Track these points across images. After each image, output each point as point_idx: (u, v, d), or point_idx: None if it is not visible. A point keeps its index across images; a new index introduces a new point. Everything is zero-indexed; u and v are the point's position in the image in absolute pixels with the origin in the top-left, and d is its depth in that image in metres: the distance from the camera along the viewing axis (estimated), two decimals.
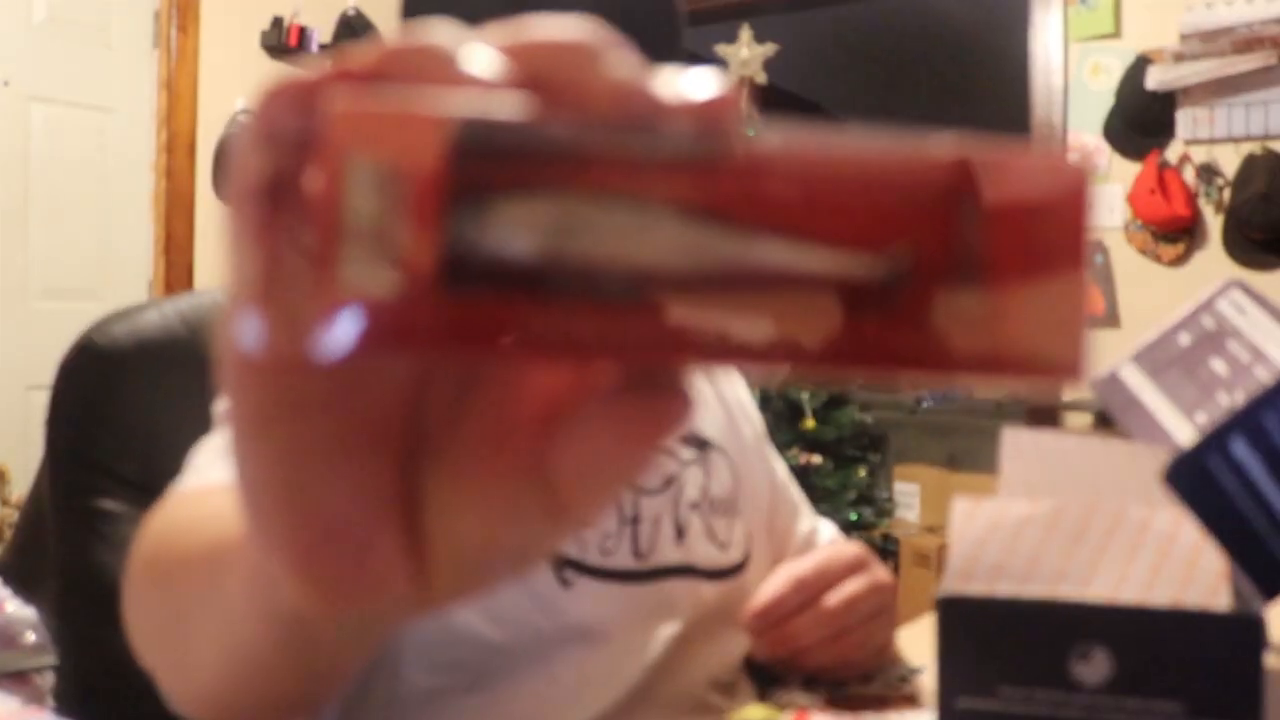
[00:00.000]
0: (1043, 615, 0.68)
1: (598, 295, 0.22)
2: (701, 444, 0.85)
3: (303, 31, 3.56)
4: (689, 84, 0.23)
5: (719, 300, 0.23)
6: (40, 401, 0.93)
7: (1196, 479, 0.65)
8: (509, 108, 0.22)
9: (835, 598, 0.79)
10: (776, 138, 0.23)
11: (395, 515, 0.27)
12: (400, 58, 0.24)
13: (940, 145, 0.23)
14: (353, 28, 3.64)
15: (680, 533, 0.81)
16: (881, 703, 0.79)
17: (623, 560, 0.77)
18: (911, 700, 0.80)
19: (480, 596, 0.29)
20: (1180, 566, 0.72)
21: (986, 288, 0.23)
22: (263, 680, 0.36)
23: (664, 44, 0.79)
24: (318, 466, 0.26)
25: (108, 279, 3.32)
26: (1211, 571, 0.70)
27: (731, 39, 3.48)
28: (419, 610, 0.30)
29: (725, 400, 0.91)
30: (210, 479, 0.61)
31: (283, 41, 3.54)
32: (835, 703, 0.78)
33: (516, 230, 0.22)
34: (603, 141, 0.22)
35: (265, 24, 3.56)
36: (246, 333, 0.24)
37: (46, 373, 0.93)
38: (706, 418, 0.87)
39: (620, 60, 0.24)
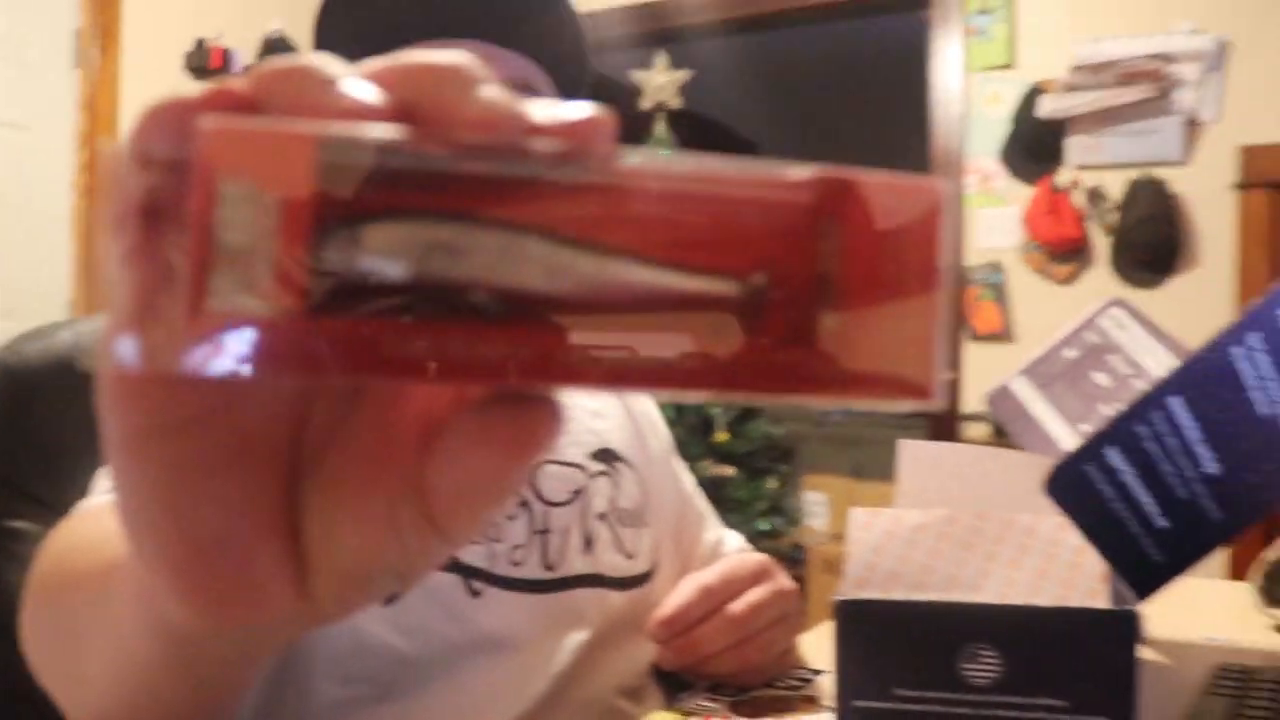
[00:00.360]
0: (934, 618, 0.69)
1: (467, 318, 0.22)
2: (610, 457, 0.85)
3: (226, 54, 3.50)
4: (559, 110, 0.23)
5: (589, 323, 0.23)
6: None
7: (1074, 487, 0.67)
8: (381, 132, 0.22)
9: (739, 606, 0.79)
10: (644, 163, 0.23)
11: (277, 530, 0.27)
12: (276, 79, 0.23)
13: (801, 170, 0.23)
14: (276, 50, 3.60)
15: (588, 543, 0.81)
16: (783, 706, 0.79)
17: (532, 571, 0.77)
18: (812, 703, 0.80)
19: (365, 609, 0.29)
20: (1064, 570, 0.74)
21: (842, 309, 0.23)
22: (152, 698, 0.35)
23: (571, 71, 0.80)
24: (196, 483, 0.25)
25: (26, 299, 3.22)
26: (1092, 574, 0.71)
27: (649, 65, 3.49)
28: (305, 624, 0.29)
29: (633, 413, 0.91)
30: (109, 499, 0.59)
31: (205, 63, 3.48)
32: (739, 707, 0.78)
33: (387, 253, 0.22)
34: (474, 166, 0.22)
35: (188, 45, 3.50)
36: (122, 352, 0.24)
37: None
38: (614, 431, 0.87)
39: (492, 87, 0.23)
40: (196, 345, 0.21)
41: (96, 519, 0.49)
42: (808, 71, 4.96)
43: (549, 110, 0.23)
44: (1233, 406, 0.66)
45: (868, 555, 0.75)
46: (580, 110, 0.23)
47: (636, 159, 0.23)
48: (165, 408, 0.25)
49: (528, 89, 0.74)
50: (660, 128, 3.40)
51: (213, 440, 0.26)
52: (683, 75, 3.46)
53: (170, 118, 0.23)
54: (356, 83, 0.23)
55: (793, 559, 3.24)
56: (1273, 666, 0.78)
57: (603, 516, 0.82)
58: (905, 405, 0.24)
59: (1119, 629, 0.65)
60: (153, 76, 3.41)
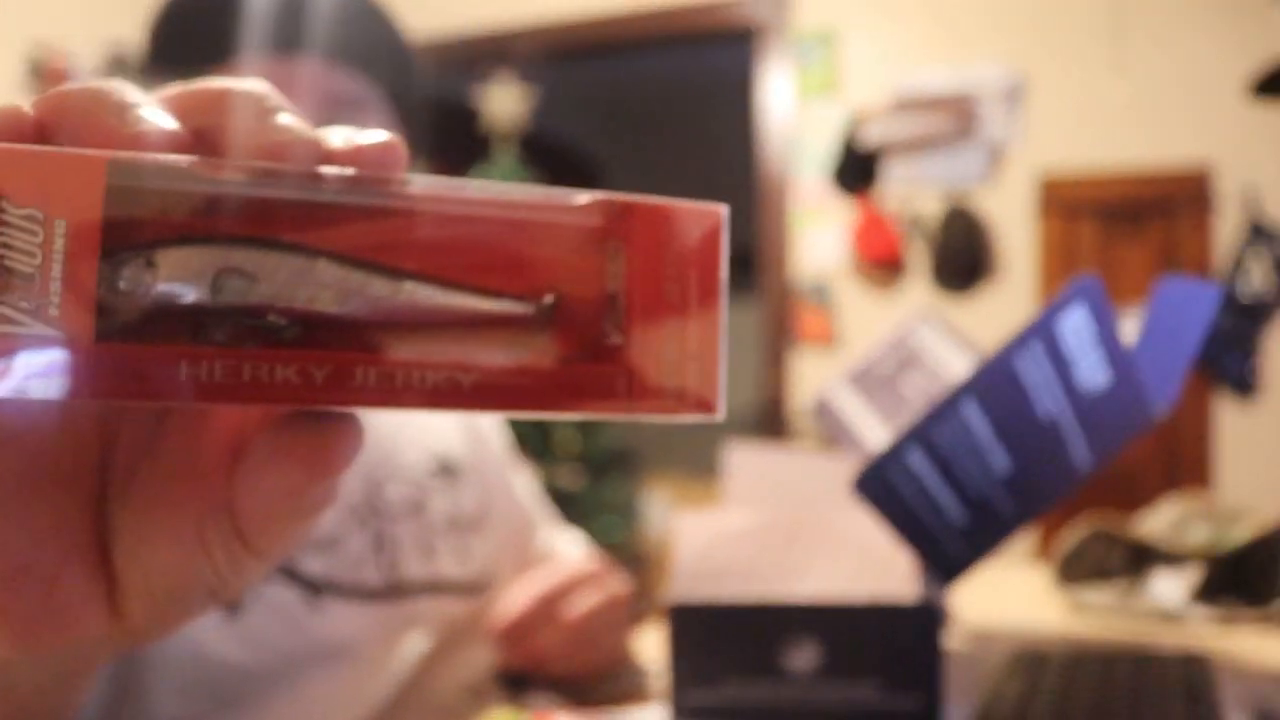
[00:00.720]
0: (759, 614, 0.70)
1: (265, 341, 0.22)
2: (449, 465, 0.84)
3: (66, 66, 3.34)
4: (353, 136, 0.23)
5: (388, 344, 0.22)
6: None
7: (879, 488, 0.69)
8: (172, 157, 0.21)
9: (574, 613, 0.80)
10: (436, 187, 0.23)
11: (86, 552, 0.26)
12: (68, 103, 0.22)
13: (587, 195, 0.24)
14: (123, 65, 3.45)
15: (428, 552, 0.80)
16: (619, 701, 0.80)
17: (372, 581, 0.75)
18: (646, 697, 0.81)
19: (180, 628, 0.28)
20: (877, 564, 0.76)
21: (630, 327, 0.24)
22: None
23: (402, 89, 0.78)
24: None
25: None
26: (902, 568, 0.74)
27: (494, 90, 3.47)
28: (121, 644, 0.28)
29: (470, 421, 0.91)
30: None
31: (45, 73, 3.31)
32: (577, 703, 0.78)
33: (180, 278, 0.21)
34: (267, 191, 0.22)
35: (27, 53, 3.32)
36: None
37: None
38: (452, 439, 0.86)
39: (286, 114, 0.23)
40: None
41: None
42: (649, 97, 5.02)
43: (342, 136, 0.23)
44: (1019, 409, 0.69)
45: (696, 556, 0.76)
46: (373, 136, 0.23)
47: (428, 184, 0.22)
48: None
49: (354, 106, 0.72)
50: (505, 151, 3.38)
51: (12, 464, 0.24)
52: (527, 100, 3.45)
53: None
54: (150, 109, 0.22)
55: (636, 560, 3.26)
56: (1062, 651, 0.82)
57: (442, 525, 0.81)
58: (691, 418, 0.24)
59: (924, 619, 0.67)
60: None
